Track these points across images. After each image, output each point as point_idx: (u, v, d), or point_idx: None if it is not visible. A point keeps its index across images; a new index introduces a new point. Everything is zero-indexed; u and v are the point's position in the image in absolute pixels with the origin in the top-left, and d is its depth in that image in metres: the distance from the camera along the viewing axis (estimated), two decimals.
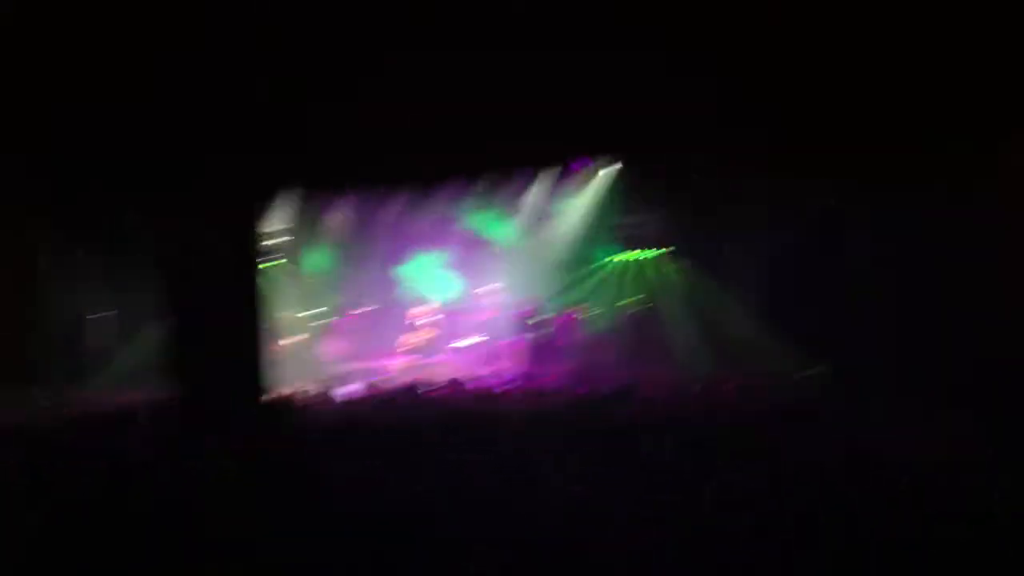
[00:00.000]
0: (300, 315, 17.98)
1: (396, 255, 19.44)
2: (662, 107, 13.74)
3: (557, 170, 18.13)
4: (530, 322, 16.54)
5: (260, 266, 7.33)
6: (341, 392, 12.15)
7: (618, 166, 17.75)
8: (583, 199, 18.34)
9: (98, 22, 10.15)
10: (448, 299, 19.18)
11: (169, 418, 7.61)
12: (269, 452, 6.28)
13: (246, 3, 7.80)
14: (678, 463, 5.53)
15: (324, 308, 18.58)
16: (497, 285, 18.53)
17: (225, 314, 6.72)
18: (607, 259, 18.17)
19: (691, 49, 12.51)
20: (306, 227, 19.00)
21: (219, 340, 6.72)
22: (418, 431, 7.33)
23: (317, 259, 19.24)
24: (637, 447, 6.14)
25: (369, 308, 18.62)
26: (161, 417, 8.68)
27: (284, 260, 18.35)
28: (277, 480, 5.51)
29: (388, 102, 13.22)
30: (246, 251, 7.12)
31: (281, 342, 16.37)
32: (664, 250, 16.98)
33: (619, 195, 17.81)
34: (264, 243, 7.36)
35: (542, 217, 18.84)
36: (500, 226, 19.33)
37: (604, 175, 17.94)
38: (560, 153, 17.41)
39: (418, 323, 17.00)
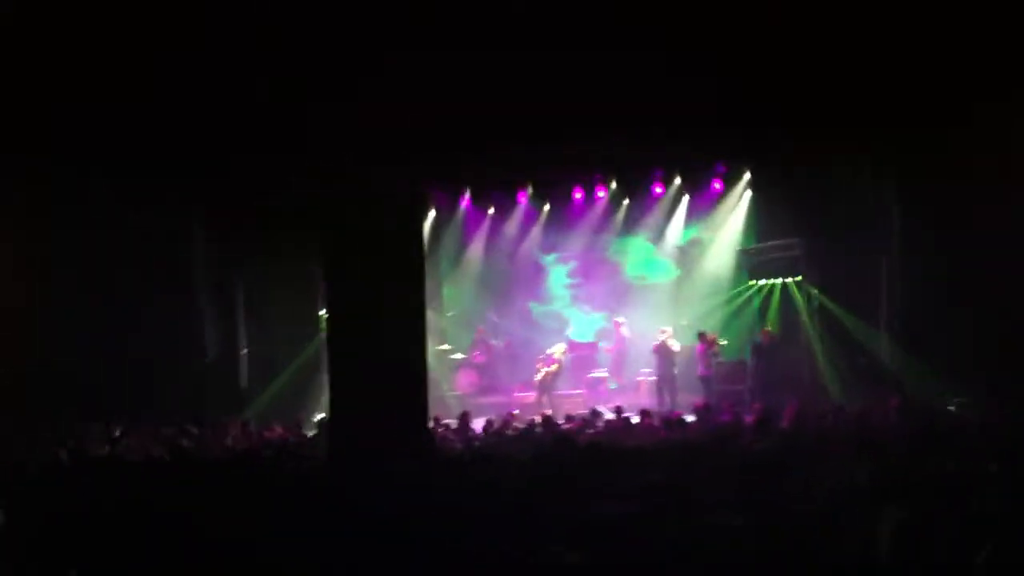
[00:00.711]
0: (436, 348, 18.20)
1: (530, 289, 19.63)
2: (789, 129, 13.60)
3: (693, 200, 18.23)
4: (668, 352, 16.37)
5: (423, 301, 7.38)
6: (477, 425, 12.23)
7: (750, 193, 17.70)
8: (719, 229, 18.31)
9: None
10: (582, 331, 19.22)
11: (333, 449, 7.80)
12: (415, 484, 6.33)
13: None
14: (840, 496, 5.33)
15: (458, 341, 18.82)
16: (632, 316, 18.46)
17: (395, 346, 6.83)
18: (743, 287, 17.95)
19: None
20: (444, 260, 19.31)
21: (387, 373, 6.83)
22: (554, 463, 7.30)
23: (453, 292, 19.51)
24: (786, 476, 5.97)
25: (503, 342, 18.75)
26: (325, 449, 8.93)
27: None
28: (420, 513, 5.55)
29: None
30: (413, 280, 7.22)
31: None
32: (799, 277, 16.63)
33: (753, 223, 17.70)
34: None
35: (679, 247, 18.89)
36: (637, 257, 19.40)
37: (739, 205, 17.89)
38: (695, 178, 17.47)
39: (552, 356, 17.00)
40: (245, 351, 16.32)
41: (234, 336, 16.13)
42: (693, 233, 18.81)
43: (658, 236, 19.17)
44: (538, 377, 16.74)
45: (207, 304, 15.73)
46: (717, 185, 17.94)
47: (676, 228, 18.85)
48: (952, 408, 11.49)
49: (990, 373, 12.72)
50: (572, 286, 19.77)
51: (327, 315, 8.00)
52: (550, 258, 19.72)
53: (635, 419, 11.71)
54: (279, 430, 12.42)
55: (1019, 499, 5.26)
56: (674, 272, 19.29)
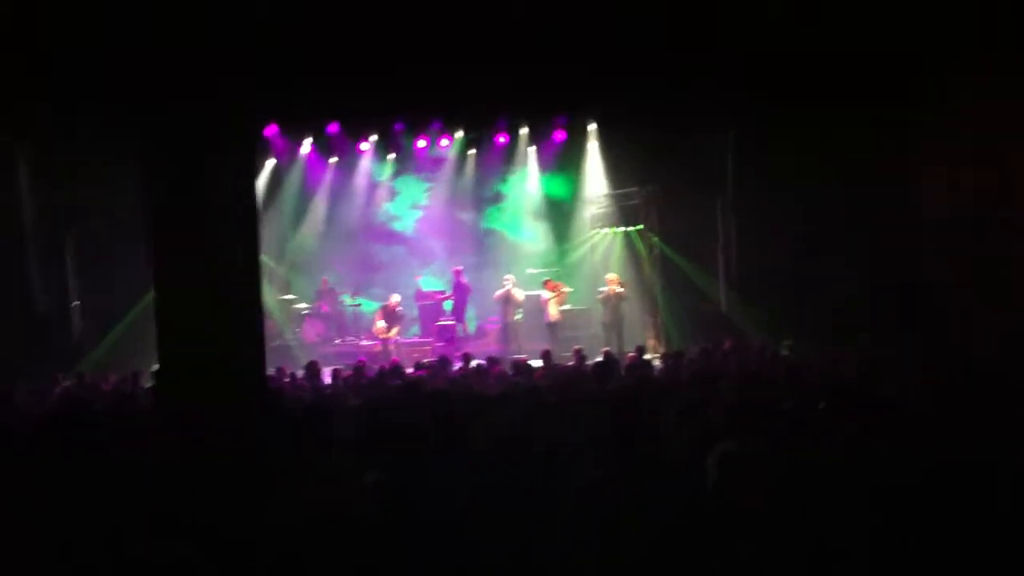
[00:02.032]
0: (279, 299, 17.80)
1: (377, 237, 19.46)
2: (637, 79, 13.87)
3: (540, 148, 18.35)
4: (512, 300, 16.55)
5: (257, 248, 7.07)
6: (324, 374, 12.03)
7: (595, 144, 17.95)
8: (564, 178, 18.55)
9: None
10: (430, 280, 19.19)
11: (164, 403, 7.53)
12: (258, 435, 6.20)
13: None
14: (674, 434, 5.52)
15: (303, 291, 18.48)
16: (479, 265, 18.57)
17: (226, 295, 6.56)
18: (587, 236, 18.33)
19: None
20: (287, 209, 18.77)
21: (219, 323, 6.57)
22: (405, 411, 7.29)
23: (296, 242, 19.05)
24: (628, 417, 6.12)
25: (349, 291, 18.51)
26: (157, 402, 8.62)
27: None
28: (263, 465, 5.45)
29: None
30: (246, 227, 6.92)
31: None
32: (640, 226, 17.05)
33: (598, 173, 18.00)
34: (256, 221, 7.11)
35: (522, 198, 19.09)
36: (485, 206, 19.48)
37: (584, 156, 18.10)
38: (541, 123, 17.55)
39: (391, 304, 16.94)
40: (77, 303, 15.46)
41: (65, 286, 15.23)
42: (538, 183, 19.01)
43: (505, 186, 19.37)
44: (387, 326, 16.67)
45: (35, 253, 14.75)
46: (559, 137, 18.09)
47: (522, 179, 19.06)
48: (784, 351, 12.04)
49: (819, 317, 13.45)
50: (419, 234, 19.68)
51: (154, 264, 7.58)
52: (398, 206, 19.60)
53: (486, 365, 11.77)
54: (113, 380, 11.92)
55: (844, 434, 5.58)
56: (521, 222, 19.45)
